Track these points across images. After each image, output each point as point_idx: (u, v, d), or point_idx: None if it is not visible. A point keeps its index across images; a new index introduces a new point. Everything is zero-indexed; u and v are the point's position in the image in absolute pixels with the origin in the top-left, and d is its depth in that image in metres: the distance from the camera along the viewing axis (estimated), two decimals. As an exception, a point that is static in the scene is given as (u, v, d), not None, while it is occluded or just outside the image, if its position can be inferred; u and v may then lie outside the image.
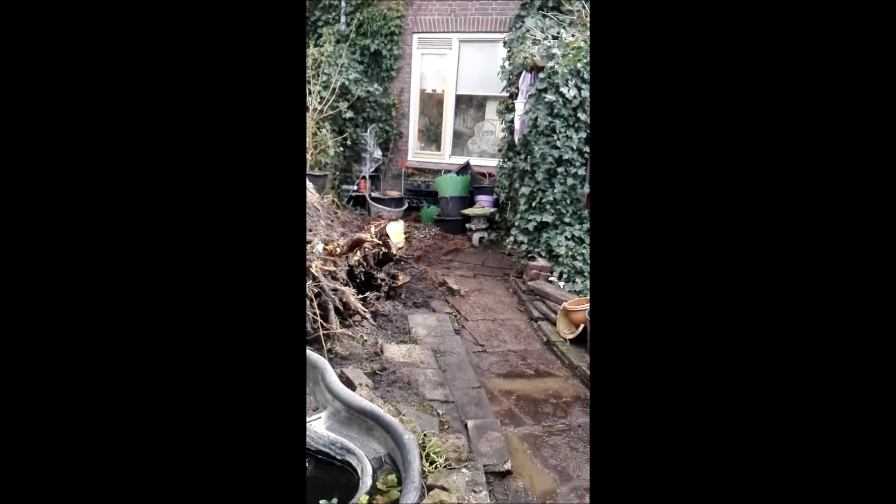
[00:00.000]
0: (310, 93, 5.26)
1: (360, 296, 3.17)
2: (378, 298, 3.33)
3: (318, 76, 5.40)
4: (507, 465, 1.93)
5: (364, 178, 6.47)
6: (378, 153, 6.53)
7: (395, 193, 6.46)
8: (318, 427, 1.91)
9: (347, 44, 6.04)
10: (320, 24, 6.36)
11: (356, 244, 3.26)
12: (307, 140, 5.05)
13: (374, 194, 6.29)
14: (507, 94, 5.17)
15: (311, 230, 3.54)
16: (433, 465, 1.78)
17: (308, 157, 5.12)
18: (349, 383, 2.24)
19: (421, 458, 1.73)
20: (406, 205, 6.31)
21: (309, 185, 4.41)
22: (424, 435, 1.92)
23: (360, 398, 2.00)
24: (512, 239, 4.30)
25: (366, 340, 2.84)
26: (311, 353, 2.30)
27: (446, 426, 2.11)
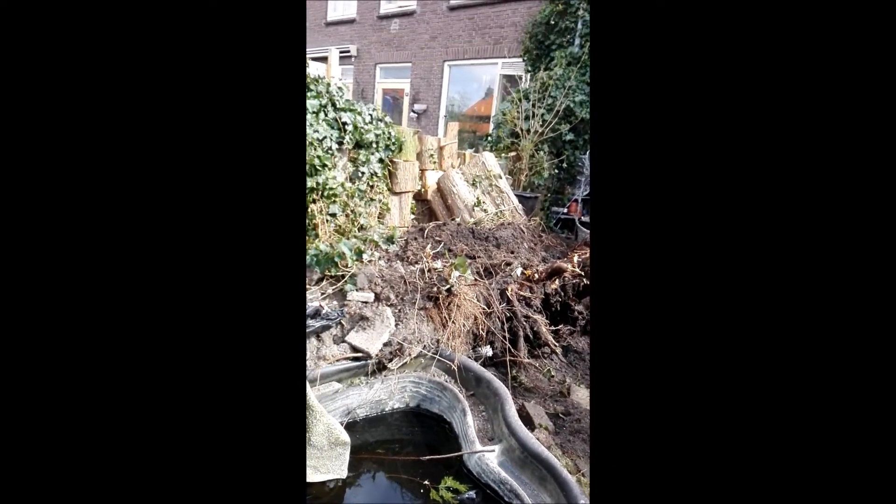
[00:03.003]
0: (533, 115, 5.35)
1: (553, 327, 3.03)
2: (572, 333, 3.13)
3: (544, 99, 5.45)
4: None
5: (576, 200, 6.28)
6: (594, 177, 6.26)
7: (606, 220, 6.09)
8: (491, 460, 1.86)
9: (578, 66, 5.97)
10: (553, 47, 6.43)
11: (555, 272, 3.14)
12: (523, 162, 5.15)
13: (583, 219, 6.04)
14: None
15: (513, 252, 3.56)
16: (608, 548, 1.54)
17: (522, 178, 5.21)
18: (528, 420, 2.13)
19: (595, 533, 1.51)
20: (617, 234, 5.88)
21: (518, 206, 4.47)
22: (602, 506, 1.69)
23: (536, 441, 1.87)
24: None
25: (553, 376, 2.69)
26: (494, 379, 2.28)
27: (630, 503, 1.82)
